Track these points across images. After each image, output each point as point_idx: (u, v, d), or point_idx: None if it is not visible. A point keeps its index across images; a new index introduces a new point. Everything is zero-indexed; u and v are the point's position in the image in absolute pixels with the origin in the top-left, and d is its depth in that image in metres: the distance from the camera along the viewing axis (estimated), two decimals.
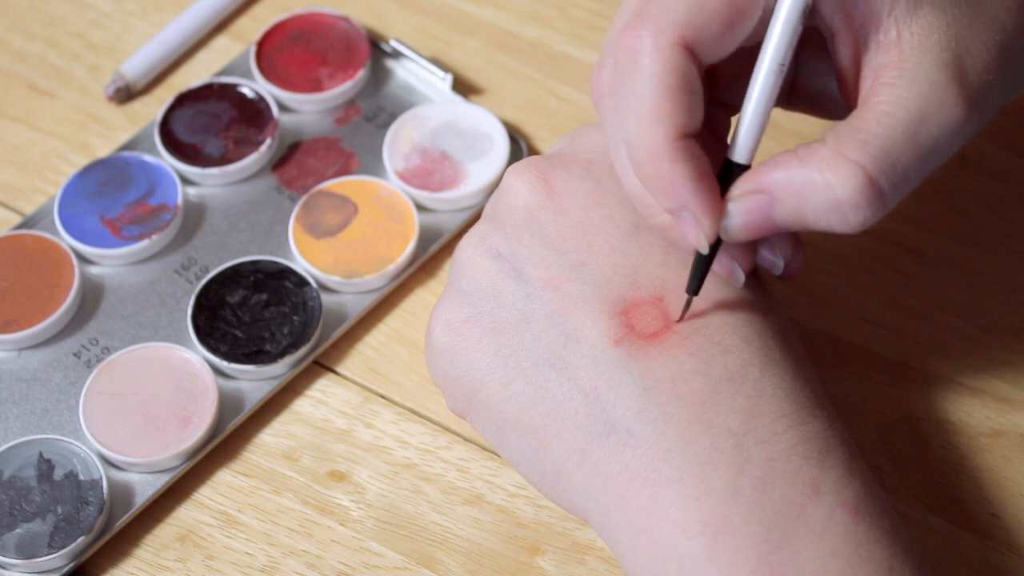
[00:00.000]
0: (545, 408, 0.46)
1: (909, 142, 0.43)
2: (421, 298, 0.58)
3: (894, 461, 0.53)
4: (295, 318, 0.56)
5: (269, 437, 0.55)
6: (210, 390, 0.54)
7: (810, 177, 0.43)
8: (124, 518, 0.52)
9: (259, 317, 0.56)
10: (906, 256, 0.58)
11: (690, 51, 0.44)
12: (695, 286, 0.46)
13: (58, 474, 0.52)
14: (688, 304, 0.47)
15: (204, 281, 0.57)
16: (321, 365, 0.56)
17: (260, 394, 0.55)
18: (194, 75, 0.64)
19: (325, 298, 0.57)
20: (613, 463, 0.45)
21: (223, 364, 0.55)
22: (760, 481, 0.44)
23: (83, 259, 0.58)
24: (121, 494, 0.52)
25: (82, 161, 0.61)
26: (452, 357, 0.48)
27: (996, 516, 0.52)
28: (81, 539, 0.51)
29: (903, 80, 0.44)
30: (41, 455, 0.52)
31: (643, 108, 0.44)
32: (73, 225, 0.58)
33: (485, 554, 0.52)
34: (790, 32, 0.44)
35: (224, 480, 0.54)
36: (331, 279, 0.57)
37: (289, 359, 0.55)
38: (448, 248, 0.59)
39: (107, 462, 0.53)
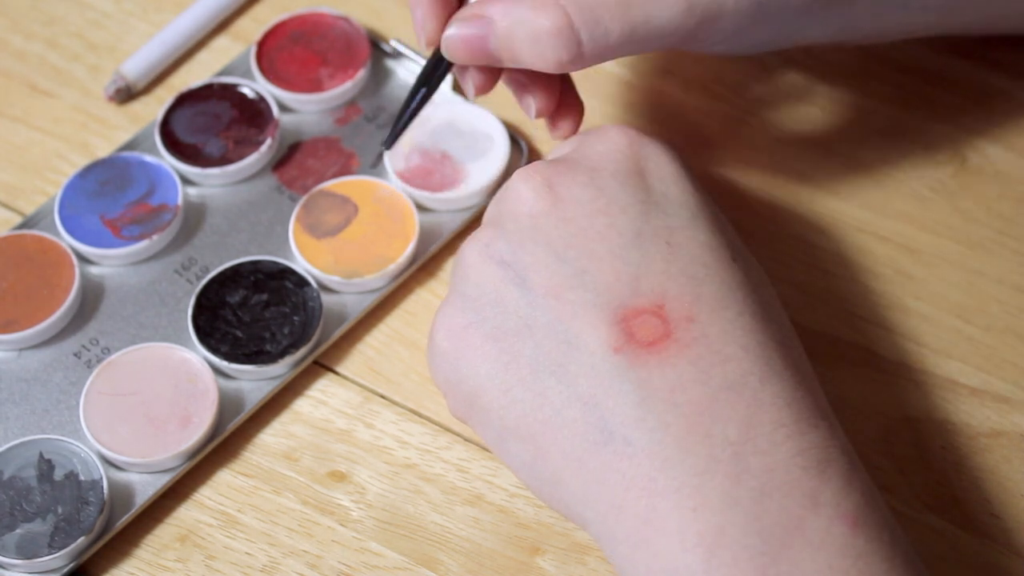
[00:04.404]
0: (544, 415, 0.46)
1: (618, 6, 0.48)
2: (421, 298, 0.58)
3: (894, 461, 0.53)
4: (295, 318, 0.56)
5: (269, 437, 0.55)
6: (210, 390, 0.54)
7: (521, 12, 0.49)
8: (124, 518, 0.52)
9: (259, 317, 0.56)
10: (906, 256, 0.58)
11: None
12: (421, 85, 0.53)
13: (58, 474, 0.52)
14: (385, 149, 0.55)
15: (204, 281, 0.57)
16: (321, 365, 0.56)
17: (260, 394, 0.55)
18: (194, 75, 0.64)
19: (325, 298, 0.57)
20: (610, 472, 0.45)
21: (223, 364, 0.55)
22: (758, 492, 0.43)
23: (83, 259, 0.58)
24: (121, 494, 0.52)
25: (82, 161, 0.61)
26: (454, 362, 0.48)
27: (996, 516, 0.52)
28: (81, 539, 0.51)
29: None
30: (41, 455, 0.52)
31: None
32: (73, 225, 0.58)
33: (485, 554, 0.52)
34: None
35: (224, 480, 0.54)
36: (331, 279, 0.57)
37: (289, 359, 0.55)
38: (448, 248, 0.59)
39: (107, 462, 0.53)
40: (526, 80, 0.52)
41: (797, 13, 0.50)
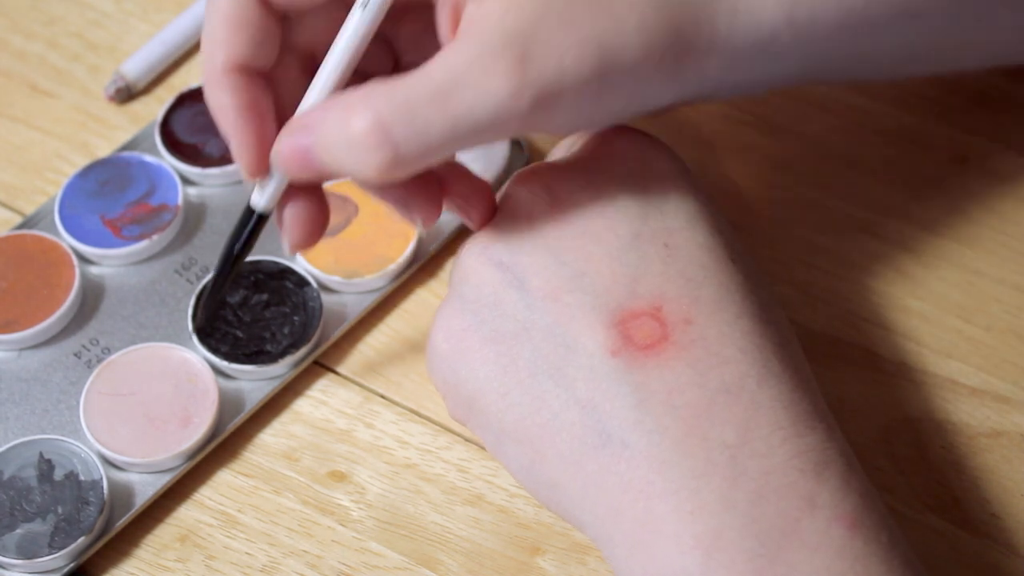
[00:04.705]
0: (542, 418, 0.46)
1: (435, 100, 0.44)
2: (421, 298, 0.58)
3: (894, 461, 0.53)
4: (295, 318, 0.56)
5: (269, 437, 0.55)
6: (210, 390, 0.54)
7: (336, 116, 0.45)
8: (124, 518, 0.52)
9: (259, 317, 0.56)
10: (906, 256, 0.58)
11: None
12: (232, 247, 0.50)
13: (58, 474, 0.52)
14: (228, 268, 0.51)
15: (204, 281, 0.57)
16: (321, 365, 0.56)
17: (260, 394, 0.55)
18: (194, 75, 0.64)
19: (325, 298, 0.57)
20: (608, 474, 0.45)
21: (223, 364, 0.55)
22: (755, 495, 0.43)
23: (83, 259, 0.58)
24: (121, 494, 0.52)
25: (82, 161, 0.61)
26: (452, 365, 0.48)
27: (996, 516, 0.52)
28: (81, 539, 0.51)
29: (457, 45, 0.45)
30: (41, 455, 0.52)
31: (208, 34, 0.48)
32: (73, 225, 0.58)
33: (485, 554, 0.52)
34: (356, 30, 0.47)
35: (224, 480, 0.54)
36: (331, 279, 0.57)
37: (289, 359, 0.55)
38: (448, 248, 0.59)
39: (107, 462, 0.53)
40: (401, 193, 0.49)
41: (645, 78, 0.47)
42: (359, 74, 0.50)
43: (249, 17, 0.47)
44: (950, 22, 0.50)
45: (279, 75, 0.49)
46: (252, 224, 0.50)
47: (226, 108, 0.48)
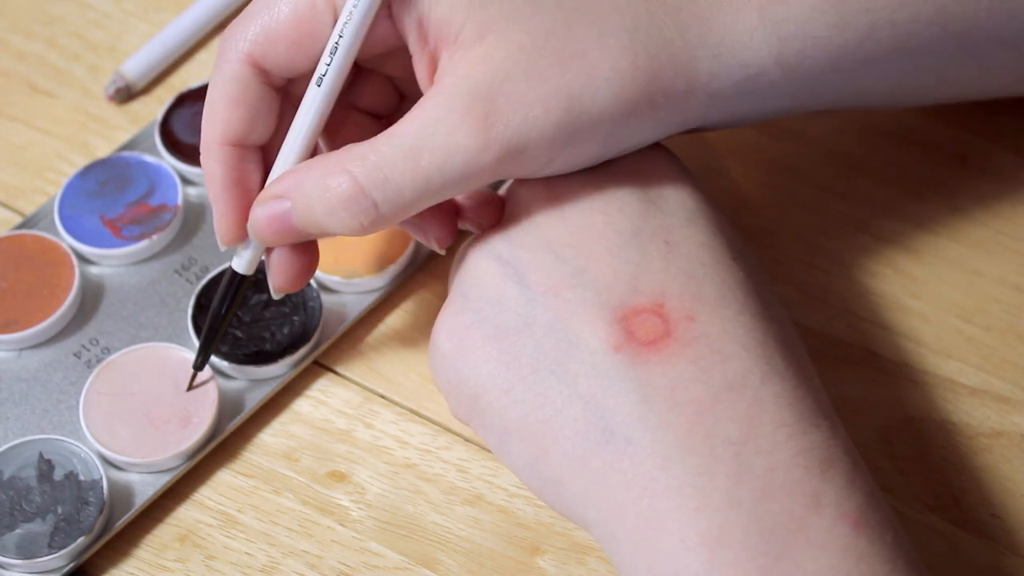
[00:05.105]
0: (545, 415, 0.46)
1: (407, 160, 0.46)
2: (421, 298, 0.58)
3: (894, 461, 0.53)
4: (295, 318, 0.56)
5: (269, 437, 0.55)
6: (210, 390, 0.54)
7: (314, 181, 0.47)
8: (124, 518, 0.52)
9: (259, 317, 0.56)
10: (906, 256, 0.58)
11: (258, 68, 0.48)
12: (220, 307, 0.51)
13: (58, 474, 0.52)
14: (204, 348, 0.52)
15: (204, 281, 0.57)
16: (321, 365, 0.56)
17: (260, 394, 0.55)
18: (194, 75, 0.64)
19: (325, 298, 0.57)
20: (612, 471, 0.45)
21: (223, 364, 0.55)
22: (759, 492, 0.43)
23: (83, 259, 0.58)
24: (121, 494, 0.52)
25: (82, 161, 0.61)
26: (455, 363, 0.48)
27: (996, 516, 0.52)
28: (81, 539, 0.51)
29: (426, 103, 0.46)
30: (41, 455, 0.52)
31: (208, 106, 0.49)
32: (73, 225, 0.58)
33: (485, 554, 0.52)
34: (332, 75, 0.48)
35: (224, 480, 0.54)
36: (331, 279, 0.57)
37: (289, 359, 0.55)
38: (448, 248, 0.59)
39: (107, 462, 0.53)
40: (416, 219, 0.50)
41: (618, 123, 0.47)
42: (366, 113, 0.52)
43: (249, 94, 0.49)
44: (947, 60, 0.51)
45: (275, 145, 0.50)
46: (235, 286, 0.51)
47: (215, 178, 0.49)
